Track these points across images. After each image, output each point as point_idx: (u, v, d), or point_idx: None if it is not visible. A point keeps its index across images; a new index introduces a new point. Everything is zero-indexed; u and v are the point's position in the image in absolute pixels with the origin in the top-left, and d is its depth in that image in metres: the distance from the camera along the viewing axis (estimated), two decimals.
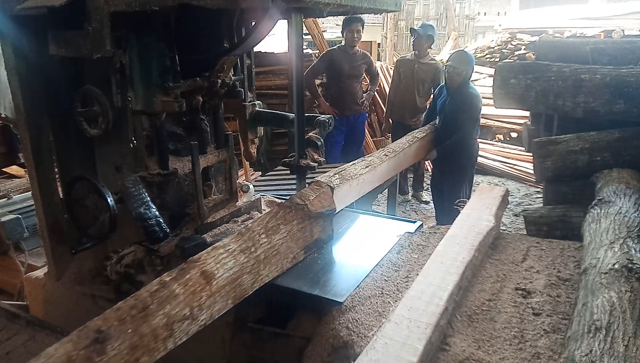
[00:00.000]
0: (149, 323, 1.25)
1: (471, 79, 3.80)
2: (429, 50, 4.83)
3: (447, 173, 3.86)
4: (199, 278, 1.41)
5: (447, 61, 3.69)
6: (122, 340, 1.18)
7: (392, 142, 5.21)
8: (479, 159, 6.32)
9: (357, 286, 1.78)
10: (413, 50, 4.92)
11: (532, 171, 4.62)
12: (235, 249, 1.56)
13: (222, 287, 1.47)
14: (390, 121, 5.05)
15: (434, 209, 5.04)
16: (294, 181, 2.12)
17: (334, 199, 2.01)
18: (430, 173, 4.54)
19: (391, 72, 6.06)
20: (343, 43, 4.70)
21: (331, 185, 2.02)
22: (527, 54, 7.65)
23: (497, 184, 5.65)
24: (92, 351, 1.12)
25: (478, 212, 2.21)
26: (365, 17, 4.57)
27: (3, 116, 2.17)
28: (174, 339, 1.32)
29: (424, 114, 4.32)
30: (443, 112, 3.78)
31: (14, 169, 4.35)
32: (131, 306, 1.25)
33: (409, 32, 5.93)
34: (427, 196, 5.22)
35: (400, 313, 1.49)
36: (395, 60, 5.91)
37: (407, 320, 1.45)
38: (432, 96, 4.63)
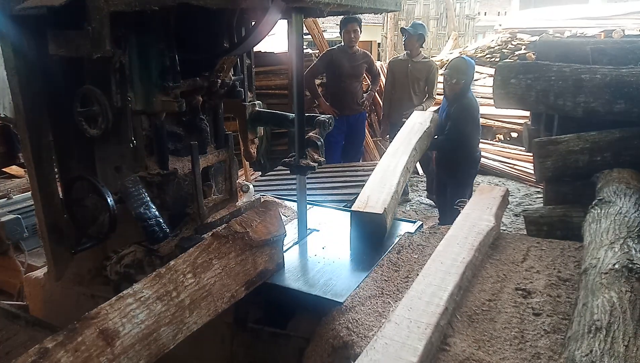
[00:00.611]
0: None
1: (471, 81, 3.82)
2: (420, 49, 4.84)
3: (451, 179, 3.84)
4: (96, 340, 1.16)
5: (445, 69, 3.65)
6: None
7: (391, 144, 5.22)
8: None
9: (357, 287, 1.77)
10: (405, 50, 4.93)
11: (532, 171, 4.62)
12: (150, 296, 1.31)
13: (130, 347, 1.23)
14: (388, 123, 5.04)
15: (433, 209, 5.05)
16: (294, 181, 2.12)
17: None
18: (435, 178, 4.48)
19: None
20: (343, 43, 4.70)
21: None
22: (527, 54, 7.66)
23: (497, 184, 5.65)
24: None
25: (478, 212, 2.21)
26: (365, 16, 4.57)
27: (2, 115, 2.17)
28: None
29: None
30: (446, 122, 3.74)
31: (13, 169, 4.35)
32: None
33: (400, 32, 5.91)
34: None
35: (400, 314, 1.49)
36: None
37: (407, 320, 1.45)
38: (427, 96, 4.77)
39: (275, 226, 1.77)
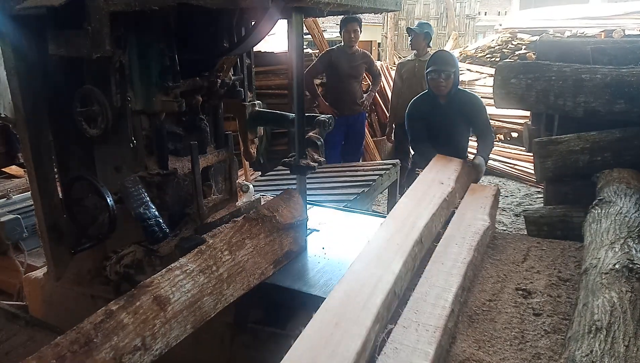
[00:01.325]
0: (94, 358, 1.14)
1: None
2: (428, 48, 4.84)
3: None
4: (152, 305, 1.30)
5: (428, 66, 3.10)
6: None
7: (395, 146, 5.19)
8: None
9: None
10: (412, 49, 4.93)
11: (532, 171, 4.61)
12: (194, 269, 1.47)
13: (179, 312, 1.37)
14: (394, 126, 5.02)
15: None
16: (294, 181, 2.12)
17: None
18: None
19: (391, 72, 6.07)
20: (342, 43, 4.70)
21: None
22: (527, 54, 7.66)
23: (497, 184, 5.65)
24: None
25: (472, 212, 2.22)
26: (365, 16, 4.57)
27: (2, 115, 2.17)
28: None
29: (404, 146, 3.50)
30: (438, 128, 3.15)
31: (13, 169, 4.34)
32: (72, 340, 1.15)
33: (406, 32, 5.87)
34: None
35: (407, 317, 1.48)
36: (395, 62, 5.92)
37: (415, 323, 1.44)
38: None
39: (299, 211, 1.94)
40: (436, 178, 2.43)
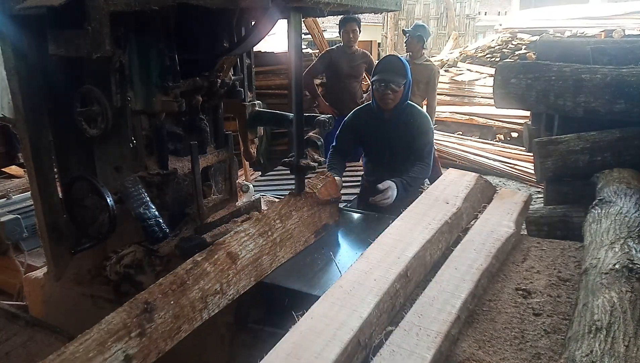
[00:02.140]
0: (187, 296, 1.42)
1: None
2: (423, 50, 4.84)
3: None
4: (226, 258, 1.59)
5: (374, 74, 2.64)
6: (166, 310, 1.36)
7: None
8: (480, 160, 6.37)
9: None
10: (406, 51, 4.94)
11: (532, 171, 4.62)
12: (255, 233, 1.73)
13: (246, 266, 1.65)
14: None
15: None
16: (293, 181, 2.12)
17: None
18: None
19: None
20: (342, 43, 4.70)
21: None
22: (527, 54, 7.67)
23: (497, 184, 5.64)
24: (143, 319, 1.29)
25: (498, 217, 2.10)
26: (365, 16, 4.56)
27: (1, 115, 2.17)
28: (208, 310, 1.49)
29: (327, 160, 2.77)
30: (379, 146, 2.74)
31: (13, 169, 4.34)
32: (171, 282, 1.42)
33: (401, 33, 5.86)
34: None
35: (409, 320, 1.44)
36: None
37: (416, 327, 1.40)
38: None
39: (335, 190, 2.18)
40: (442, 196, 2.17)
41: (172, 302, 1.38)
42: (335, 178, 2.27)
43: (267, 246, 1.76)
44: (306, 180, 2.09)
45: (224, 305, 1.56)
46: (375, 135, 2.74)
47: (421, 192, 2.34)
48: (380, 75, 2.58)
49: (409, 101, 2.71)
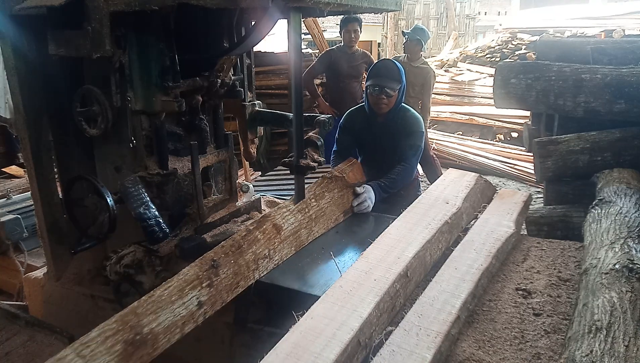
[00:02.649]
0: (243, 257, 1.66)
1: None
2: (421, 53, 4.85)
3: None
4: (272, 229, 1.82)
5: (368, 78, 2.64)
6: (228, 267, 1.60)
7: None
8: (480, 160, 6.37)
9: None
10: (404, 53, 4.95)
11: (532, 171, 4.62)
12: (294, 209, 1.95)
13: (288, 237, 1.88)
14: None
15: None
16: (293, 181, 2.12)
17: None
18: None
19: None
20: (342, 43, 4.71)
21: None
22: (527, 54, 7.67)
23: (497, 184, 5.65)
24: (211, 273, 1.53)
25: (498, 217, 2.10)
26: (365, 16, 4.57)
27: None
28: (258, 272, 1.73)
29: (331, 157, 2.82)
30: (372, 149, 2.77)
31: (13, 169, 4.35)
32: (230, 245, 1.66)
33: (400, 33, 5.88)
34: None
35: (410, 320, 1.44)
36: None
37: (417, 327, 1.40)
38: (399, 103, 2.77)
39: (360, 175, 2.43)
40: (442, 196, 2.17)
41: (232, 261, 1.62)
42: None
43: (305, 221, 1.98)
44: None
45: (270, 269, 1.79)
46: (368, 138, 2.74)
47: (421, 192, 2.36)
48: (375, 80, 2.56)
49: (403, 104, 2.70)
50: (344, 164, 2.37)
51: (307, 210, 2.01)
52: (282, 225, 1.86)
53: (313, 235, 2.04)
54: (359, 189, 2.35)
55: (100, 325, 1.25)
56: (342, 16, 4.47)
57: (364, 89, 2.72)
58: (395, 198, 2.56)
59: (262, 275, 1.74)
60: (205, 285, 1.50)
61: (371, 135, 2.71)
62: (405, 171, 2.61)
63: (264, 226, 1.79)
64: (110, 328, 1.25)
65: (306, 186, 2.04)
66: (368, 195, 2.36)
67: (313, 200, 2.05)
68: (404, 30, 4.89)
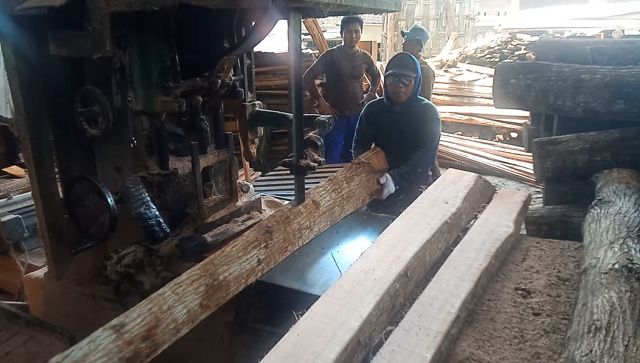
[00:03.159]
0: (291, 226, 1.86)
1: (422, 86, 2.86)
2: (420, 53, 4.85)
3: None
4: (312, 204, 2.00)
5: (387, 70, 2.84)
6: (279, 233, 1.79)
7: None
8: (479, 160, 6.37)
9: None
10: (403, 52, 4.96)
11: (532, 171, 4.61)
12: (329, 189, 2.14)
13: (324, 212, 2.06)
14: None
15: None
16: (294, 181, 2.12)
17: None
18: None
19: None
20: (342, 43, 4.71)
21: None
22: (527, 54, 7.67)
23: (496, 185, 5.65)
24: (266, 237, 1.74)
25: (497, 217, 2.11)
26: (365, 17, 4.57)
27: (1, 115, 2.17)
28: (302, 240, 1.94)
29: (353, 147, 3.07)
30: (389, 138, 2.87)
31: (14, 169, 4.35)
32: (280, 215, 1.84)
33: (400, 34, 5.89)
34: None
35: (409, 320, 1.45)
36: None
37: (416, 327, 1.41)
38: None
39: (383, 161, 2.63)
40: (441, 196, 2.21)
41: (282, 228, 1.81)
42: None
43: (338, 199, 2.15)
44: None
45: (311, 239, 1.99)
46: (386, 128, 2.91)
47: (421, 192, 2.38)
48: (394, 70, 2.78)
49: (419, 96, 2.89)
50: (370, 152, 2.57)
51: (340, 190, 2.21)
52: (320, 201, 2.04)
53: (344, 212, 2.23)
54: (381, 180, 2.57)
55: (188, 271, 1.47)
56: (343, 16, 4.48)
57: (383, 81, 2.91)
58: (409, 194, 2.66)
59: (304, 242, 1.96)
60: (263, 246, 1.71)
61: (389, 124, 2.90)
62: (423, 156, 2.81)
63: (306, 202, 1.98)
64: (196, 274, 1.46)
65: (306, 186, 2.05)
66: (388, 189, 2.61)
67: (344, 182, 2.25)
68: (404, 31, 4.90)
